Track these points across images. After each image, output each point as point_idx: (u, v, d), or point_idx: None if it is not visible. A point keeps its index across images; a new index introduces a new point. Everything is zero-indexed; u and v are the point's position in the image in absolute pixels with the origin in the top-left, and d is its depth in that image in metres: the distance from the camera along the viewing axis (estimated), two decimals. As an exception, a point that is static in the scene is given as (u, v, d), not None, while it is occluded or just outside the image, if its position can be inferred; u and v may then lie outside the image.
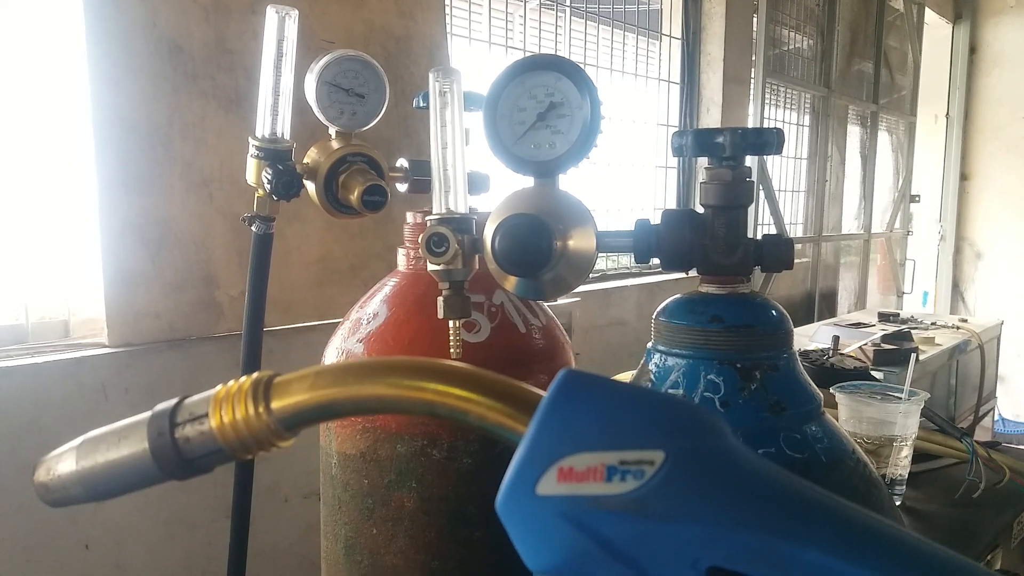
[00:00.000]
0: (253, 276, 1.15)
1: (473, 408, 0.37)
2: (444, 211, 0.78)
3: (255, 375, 0.40)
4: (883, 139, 5.12)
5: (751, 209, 3.49)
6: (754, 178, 3.42)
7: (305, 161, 1.08)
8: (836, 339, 2.42)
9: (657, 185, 3.28)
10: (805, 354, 1.81)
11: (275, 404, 0.39)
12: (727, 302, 0.68)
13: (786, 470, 0.33)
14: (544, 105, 0.71)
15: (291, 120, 1.08)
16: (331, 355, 0.95)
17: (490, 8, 2.42)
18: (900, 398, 1.04)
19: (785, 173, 4.06)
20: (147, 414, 0.40)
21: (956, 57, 5.65)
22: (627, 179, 3.10)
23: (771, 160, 3.75)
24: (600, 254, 0.73)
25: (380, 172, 1.08)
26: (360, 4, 1.80)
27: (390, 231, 1.85)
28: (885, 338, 2.84)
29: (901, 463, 1.06)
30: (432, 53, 1.97)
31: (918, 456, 1.16)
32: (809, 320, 3.98)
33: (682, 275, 1.97)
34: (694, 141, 0.69)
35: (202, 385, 0.41)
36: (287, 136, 1.08)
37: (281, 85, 1.05)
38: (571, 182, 0.73)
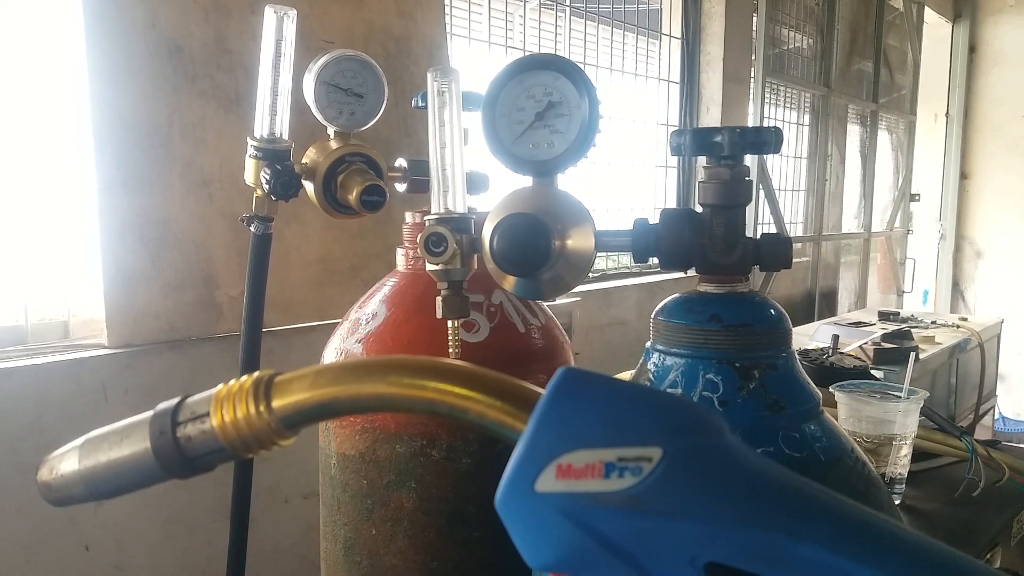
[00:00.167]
0: (252, 277, 1.14)
1: (472, 406, 0.37)
2: (443, 211, 0.78)
3: (256, 374, 0.40)
4: (883, 138, 5.12)
5: (751, 208, 3.50)
6: (754, 177, 3.43)
7: (304, 161, 1.08)
8: (836, 338, 2.42)
9: (657, 185, 3.28)
10: (805, 353, 1.81)
11: (276, 403, 0.39)
12: (725, 301, 0.68)
13: (784, 467, 0.33)
14: (542, 104, 0.71)
15: (290, 120, 1.08)
16: (330, 355, 0.95)
17: (490, 8, 2.42)
18: (899, 397, 1.04)
19: (785, 172, 4.06)
20: (149, 413, 0.41)
21: (956, 56, 5.65)
22: (627, 179, 3.10)
23: (771, 159, 3.75)
24: (600, 254, 0.73)
25: (379, 172, 1.08)
26: (360, 4, 1.80)
27: (390, 231, 1.85)
28: (885, 337, 2.84)
29: (900, 462, 1.06)
30: (432, 53, 1.97)
31: (918, 455, 1.16)
32: (809, 319, 3.98)
33: (681, 275, 1.97)
34: (692, 140, 0.69)
35: (202, 385, 0.41)
36: (286, 136, 1.07)
37: (279, 85, 1.05)
38: (570, 182, 0.73)
